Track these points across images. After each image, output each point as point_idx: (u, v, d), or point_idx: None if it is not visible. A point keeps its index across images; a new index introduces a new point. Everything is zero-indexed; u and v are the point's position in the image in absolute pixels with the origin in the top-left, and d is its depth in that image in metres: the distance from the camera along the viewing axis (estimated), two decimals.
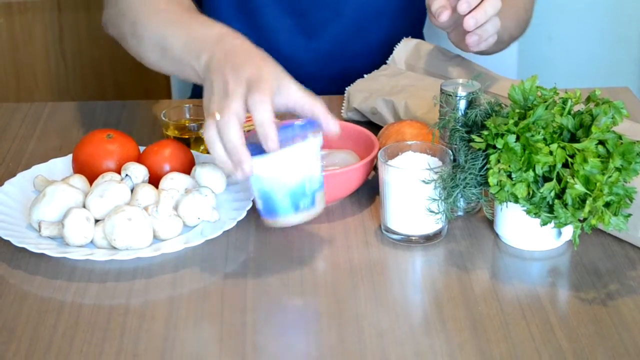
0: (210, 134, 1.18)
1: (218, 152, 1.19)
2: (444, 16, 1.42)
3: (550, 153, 1.19)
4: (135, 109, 1.70)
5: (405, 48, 1.66)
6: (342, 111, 1.62)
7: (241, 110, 1.18)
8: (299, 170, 1.20)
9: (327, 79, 1.61)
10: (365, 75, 1.65)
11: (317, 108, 1.21)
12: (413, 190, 1.26)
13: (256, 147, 1.19)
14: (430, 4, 1.44)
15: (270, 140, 1.17)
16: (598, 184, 1.16)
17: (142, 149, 1.43)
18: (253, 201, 1.29)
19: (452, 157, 1.28)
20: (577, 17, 2.65)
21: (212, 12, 1.76)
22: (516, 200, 1.21)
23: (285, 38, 1.76)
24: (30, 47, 2.57)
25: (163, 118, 1.52)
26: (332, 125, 1.21)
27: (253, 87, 1.19)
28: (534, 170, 1.19)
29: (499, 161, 1.21)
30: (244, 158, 1.17)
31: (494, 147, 1.22)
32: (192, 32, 1.32)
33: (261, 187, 1.20)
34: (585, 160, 1.17)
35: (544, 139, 1.20)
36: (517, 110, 1.24)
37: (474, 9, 1.40)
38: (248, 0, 1.73)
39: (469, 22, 1.40)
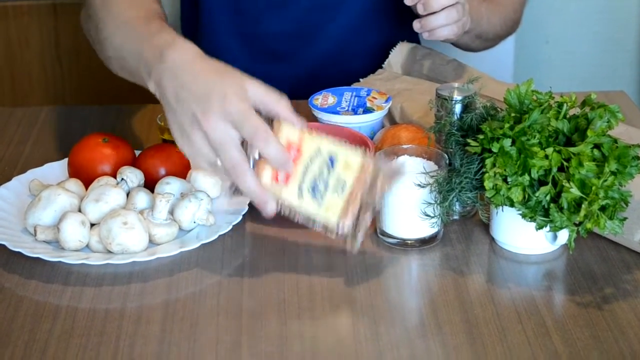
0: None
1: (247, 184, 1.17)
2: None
3: (546, 157, 1.19)
4: (131, 113, 1.70)
5: (401, 52, 1.66)
6: None
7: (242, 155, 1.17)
8: None
9: (323, 83, 1.61)
10: (360, 79, 1.65)
11: (281, 106, 1.18)
12: (409, 194, 1.26)
13: None
14: None
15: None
16: (593, 188, 1.16)
17: (137, 153, 1.43)
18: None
19: (447, 161, 1.28)
20: (574, 20, 2.65)
21: (208, 23, 1.76)
22: (512, 204, 1.21)
23: (283, 42, 1.76)
24: (26, 52, 2.56)
25: (159, 122, 1.52)
26: (296, 123, 1.18)
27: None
28: (529, 174, 1.19)
29: (494, 165, 1.21)
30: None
31: (490, 151, 1.22)
32: (144, 44, 1.27)
33: None
34: (580, 164, 1.17)
35: (540, 142, 1.20)
36: (513, 114, 1.24)
37: None
38: (245, 8, 1.73)
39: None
